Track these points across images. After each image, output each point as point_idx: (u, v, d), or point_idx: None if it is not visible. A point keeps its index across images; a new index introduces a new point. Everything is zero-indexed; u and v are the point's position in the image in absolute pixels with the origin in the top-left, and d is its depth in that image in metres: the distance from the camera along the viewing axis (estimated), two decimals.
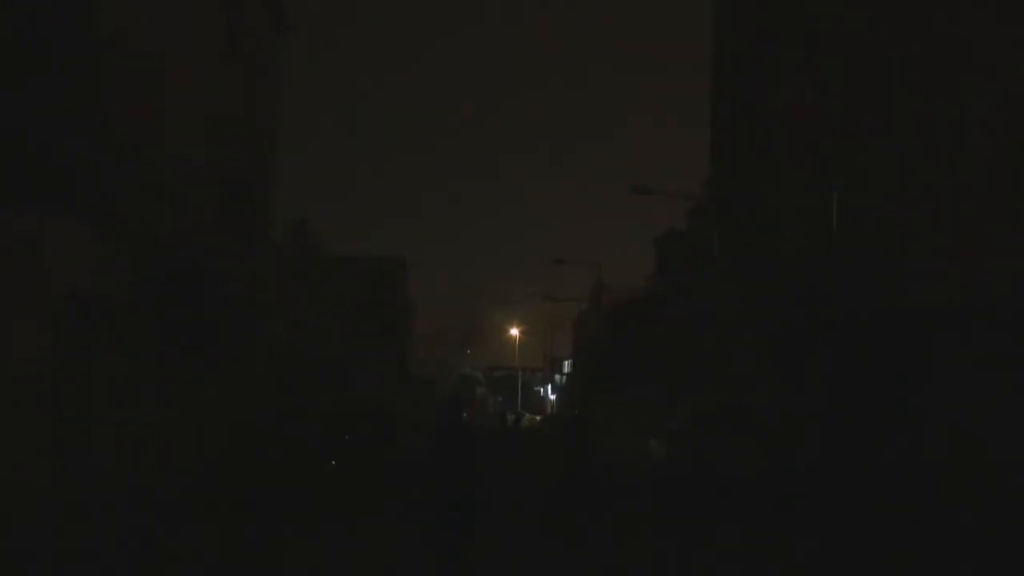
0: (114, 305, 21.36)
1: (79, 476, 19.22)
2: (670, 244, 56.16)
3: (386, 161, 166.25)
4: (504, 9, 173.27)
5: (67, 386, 19.51)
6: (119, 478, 20.28)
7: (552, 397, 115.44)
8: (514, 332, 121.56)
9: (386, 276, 71.84)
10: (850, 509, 21.25)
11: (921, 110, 23.37)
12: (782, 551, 17.15)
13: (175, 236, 24.74)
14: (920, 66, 23.41)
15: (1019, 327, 20.81)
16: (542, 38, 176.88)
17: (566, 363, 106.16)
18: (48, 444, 18.52)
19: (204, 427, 25.16)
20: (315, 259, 57.61)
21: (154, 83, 23.45)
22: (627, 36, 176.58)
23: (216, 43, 28.68)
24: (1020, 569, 15.54)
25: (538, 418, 74.46)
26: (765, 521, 20.22)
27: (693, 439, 25.83)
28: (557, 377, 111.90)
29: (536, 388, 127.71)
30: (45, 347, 18.58)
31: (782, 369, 30.40)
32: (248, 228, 32.58)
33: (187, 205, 26.01)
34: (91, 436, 20.22)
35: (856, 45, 26.11)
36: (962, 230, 22.27)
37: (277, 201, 38.45)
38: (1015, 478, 19.80)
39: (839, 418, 25.99)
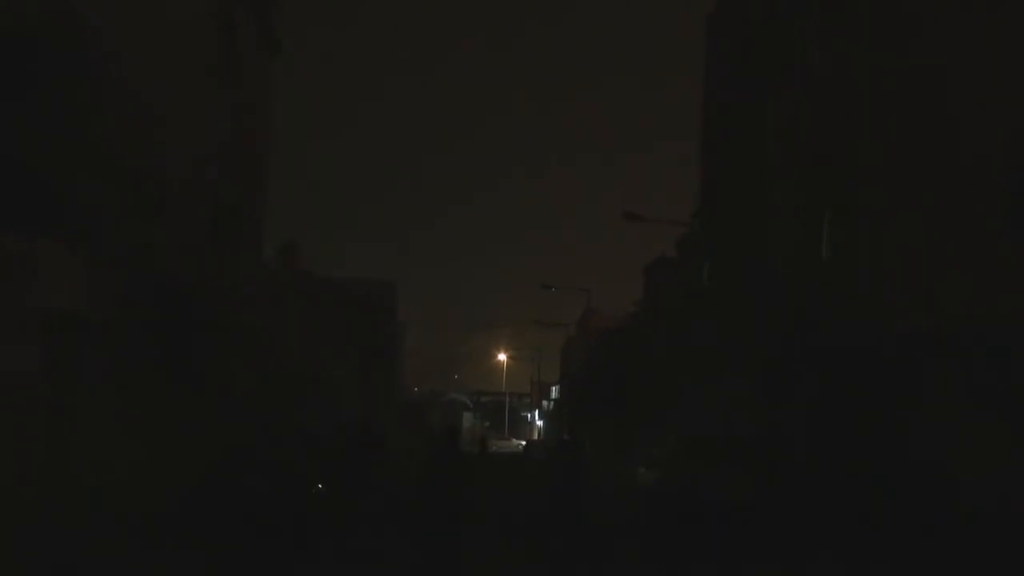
0: (103, 326, 21.32)
1: (66, 494, 19.14)
2: (659, 271, 56.25)
3: (376, 185, 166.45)
4: (492, 33, 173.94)
5: (56, 406, 19.46)
6: (106, 497, 20.18)
7: (539, 423, 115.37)
8: (502, 357, 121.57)
9: (375, 300, 71.74)
10: (836, 536, 21.23)
11: (910, 139, 23.45)
12: None
13: (164, 257, 24.71)
14: (909, 95, 23.51)
15: (1005, 359, 20.86)
16: (534, 62, 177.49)
17: (554, 389, 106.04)
18: (36, 463, 18.45)
19: (191, 448, 25.06)
20: (304, 282, 57.54)
21: (144, 104, 23.46)
22: (618, 62, 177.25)
23: (207, 64, 28.69)
24: None
25: (523, 443, 74.33)
26: (753, 549, 20.20)
27: (681, 466, 25.81)
28: (544, 403, 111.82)
29: (523, 414, 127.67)
30: (34, 367, 18.53)
31: (768, 397, 30.41)
32: (238, 250, 32.53)
33: (177, 226, 25.98)
34: (79, 455, 20.14)
35: (846, 73, 26.22)
36: (950, 259, 22.34)
37: (267, 224, 38.42)
38: (993, 509, 19.79)
39: (824, 447, 25.99)
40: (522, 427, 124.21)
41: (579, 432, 55.01)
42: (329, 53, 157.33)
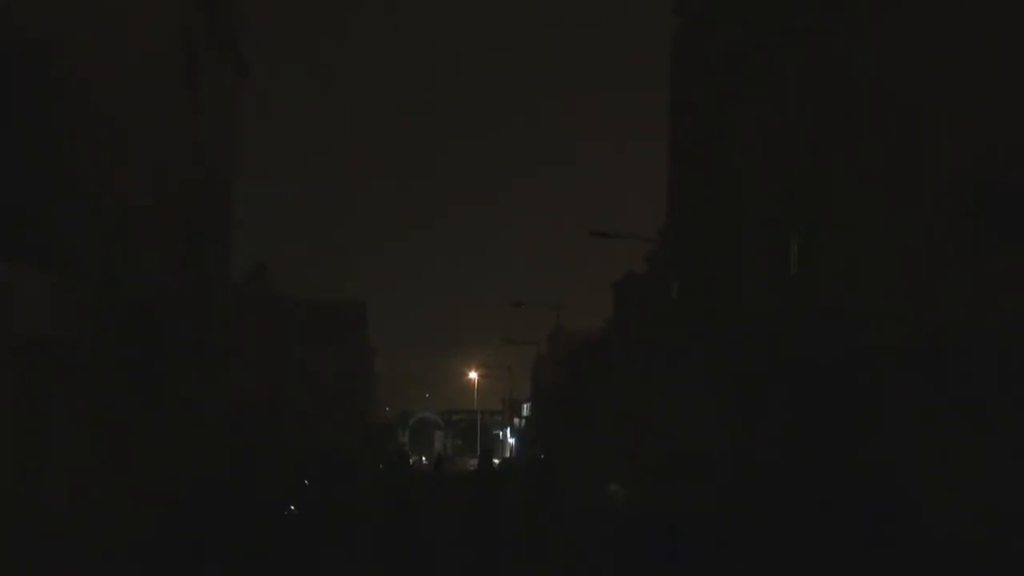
0: (74, 350, 21.24)
1: (37, 521, 19.03)
2: (627, 288, 56.35)
3: (345, 205, 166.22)
4: (462, 51, 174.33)
5: (27, 431, 19.36)
6: (78, 524, 20.09)
7: (511, 440, 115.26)
8: (473, 375, 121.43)
9: (345, 320, 71.69)
10: (805, 551, 21.32)
11: (879, 152, 23.62)
12: None
13: (134, 280, 24.64)
14: (878, 109, 23.68)
15: (975, 370, 21.00)
16: (503, 79, 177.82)
17: (525, 406, 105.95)
18: (7, 489, 18.35)
19: (164, 472, 24.99)
20: (273, 303, 57.45)
21: (112, 127, 23.42)
22: (589, 80, 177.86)
23: (174, 87, 28.68)
24: None
25: (496, 461, 74.20)
26: (721, 563, 20.28)
27: (652, 482, 25.88)
28: (516, 420, 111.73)
29: (495, 432, 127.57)
30: (5, 392, 18.44)
31: (740, 411, 30.51)
32: (207, 272, 32.47)
33: (146, 249, 25.92)
34: (51, 482, 20.04)
35: (815, 87, 26.43)
36: (919, 272, 22.47)
37: (236, 245, 38.36)
38: (957, 520, 19.91)
39: (795, 460, 26.10)
40: (494, 445, 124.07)
41: (551, 449, 55.02)
42: (300, 74, 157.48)
